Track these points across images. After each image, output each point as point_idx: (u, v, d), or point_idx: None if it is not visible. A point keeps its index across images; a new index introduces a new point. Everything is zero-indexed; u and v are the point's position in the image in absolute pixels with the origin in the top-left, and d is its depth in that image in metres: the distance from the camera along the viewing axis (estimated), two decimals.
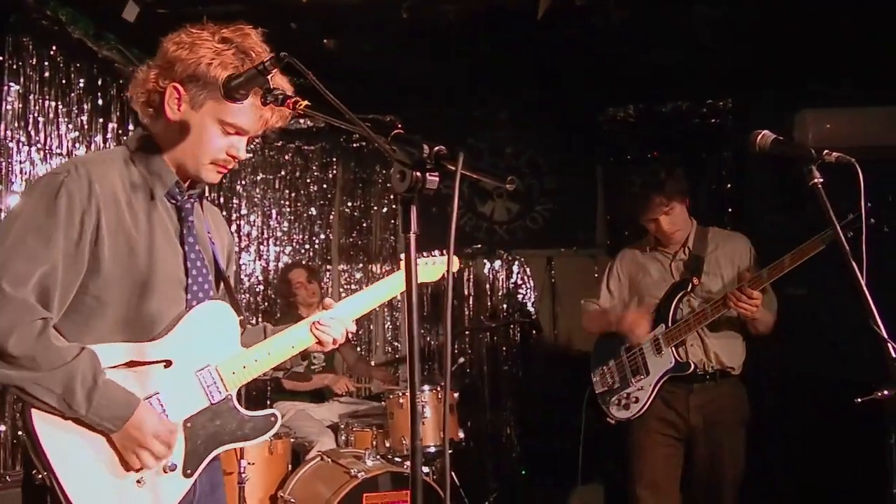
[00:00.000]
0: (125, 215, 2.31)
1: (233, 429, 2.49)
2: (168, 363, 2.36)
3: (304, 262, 7.12)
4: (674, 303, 4.32)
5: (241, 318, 2.61)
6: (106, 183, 2.29)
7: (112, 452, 2.26)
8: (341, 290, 7.67)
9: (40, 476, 2.17)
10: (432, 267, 3.25)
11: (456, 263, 3.35)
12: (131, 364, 2.30)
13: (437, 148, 1.70)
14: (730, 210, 6.87)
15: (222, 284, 2.64)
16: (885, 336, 2.23)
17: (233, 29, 2.40)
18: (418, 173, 1.68)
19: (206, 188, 2.60)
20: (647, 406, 4.35)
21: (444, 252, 3.25)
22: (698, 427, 4.29)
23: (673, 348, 4.28)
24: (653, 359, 4.36)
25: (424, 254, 3.23)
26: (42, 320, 2.17)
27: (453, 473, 5.65)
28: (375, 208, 7.75)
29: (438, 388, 5.24)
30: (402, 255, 3.02)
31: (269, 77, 2.11)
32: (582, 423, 5.11)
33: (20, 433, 2.38)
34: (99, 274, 2.26)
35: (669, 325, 4.30)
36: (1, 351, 2.11)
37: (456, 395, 5.51)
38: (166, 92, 2.35)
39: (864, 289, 2.26)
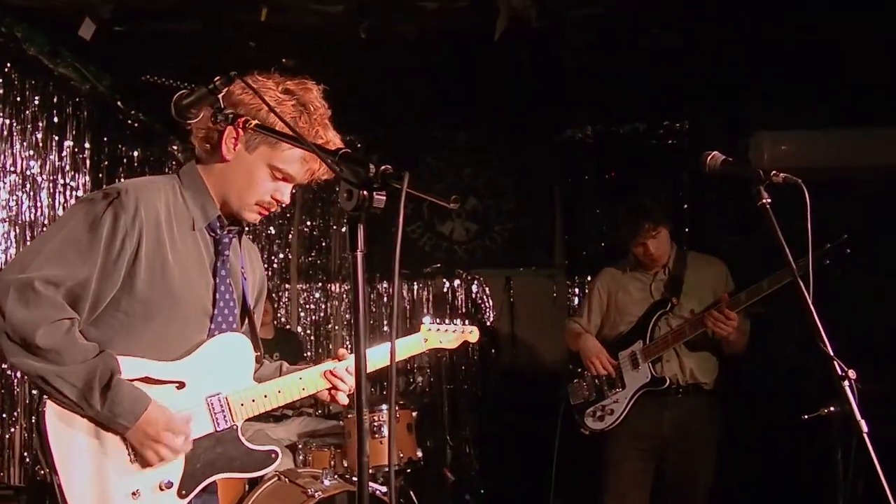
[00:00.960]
0: (165, 241, 2.41)
1: (233, 458, 2.55)
2: (181, 385, 2.45)
3: None
4: (652, 321, 4.49)
5: (258, 353, 2.69)
6: (151, 209, 2.39)
7: (119, 460, 2.34)
8: (300, 310, 7.64)
9: (42, 472, 2.33)
10: (452, 334, 3.33)
11: (475, 335, 3.42)
12: (146, 380, 2.39)
13: (383, 167, 1.73)
14: (687, 230, 6.92)
15: (247, 320, 2.72)
16: (831, 353, 2.26)
17: (297, 82, 2.55)
18: (365, 192, 1.69)
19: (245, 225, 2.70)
20: (622, 418, 4.48)
21: (467, 323, 3.38)
22: (670, 440, 4.43)
23: (649, 364, 4.43)
24: (629, 373, 4.51)
25: (447, 321, 3.32)
26: (69, 320, 2.29)
27: (412, 492, 5.64)
28: (335, 227, 7.73)
29: (396, 408, 5.23)
30: (425, 321, 3.23)
31: (219, 96, 2.14)
32: (557, 435, 5.12)
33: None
34: (131, 293, 2.36)
35: (647, 342, 4.46)
36: (28, 341, 2.22)
37: (414, 414, 5.50)
38: (225, 131, 2.46)
39: (811, 307, 2.30)
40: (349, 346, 2.90)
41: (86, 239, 2.30)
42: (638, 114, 7.22)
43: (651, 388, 4.43)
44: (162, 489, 2.39)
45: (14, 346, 2.24)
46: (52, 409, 2.28)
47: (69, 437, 2.29)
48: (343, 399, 2.82)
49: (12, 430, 4.85)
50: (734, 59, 5.76)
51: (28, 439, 4.90)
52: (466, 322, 3.43)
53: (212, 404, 2.52)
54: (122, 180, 2.53)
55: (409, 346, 3.16)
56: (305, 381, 2.76)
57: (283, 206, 2.63)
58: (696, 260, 4.64)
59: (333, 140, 2.52)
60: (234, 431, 2.56)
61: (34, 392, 4.99)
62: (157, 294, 2.39)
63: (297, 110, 2.46)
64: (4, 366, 4.81)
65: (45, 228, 5.13)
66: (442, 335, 3.29)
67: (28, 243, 5.01)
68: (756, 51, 5.58)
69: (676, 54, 5.69)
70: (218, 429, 2.52)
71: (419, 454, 5.35)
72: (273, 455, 2.63)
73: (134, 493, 2.35)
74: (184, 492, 2.43)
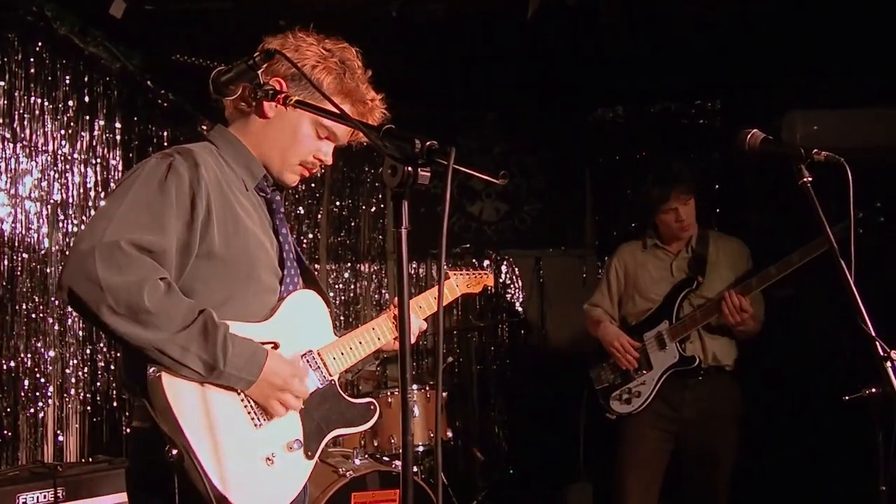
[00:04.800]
0: (231, 200, 2.32)
1: (341, 413, 2.55)
2: (275, 345, 2.36)
3: None
4: (678, 300, 4.39)
5: (330, 309, 2.64)
6: (210, 169, 2.29)
7: (245, 427, 2.25)
8: (329, 290, 7.65)
9: (175, 451, 2.08)
10: (474, 278, 3.42)
11: (491, 278, 3.52)
12: None
13: (428, 143, 1.69)
14: (718, 210, 6.86)
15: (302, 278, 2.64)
16: (873, 334, 2.23)
17: (334, 41, 2.50)
18: (409, 168, 1.67)
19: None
20: (649, 400, 4.41)
21: (480, 267, 3.45)
22: (691, 422, 4.36)
23: (677, 343, 4.35)
24: (656, 354, 4.43)
25: (465, 269, 3.40)
26: (164, 279, 2.11)
27: (442, 473, 5.65)
28: (364, 207, 7.71)
29: (427, 388, 5.24)
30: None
31: (258, 72, 2.12)
32: (582, 419, 5.13)
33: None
34: (209, 257, 2.25)
35: (673, 321, 4.39)
36: (135, 307, 2.02)
37: (444, 394, 5.51)
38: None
39: (853, 288, 2.26)
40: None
41: (156, 202, 2.14)
42: (669, 93, 7.15)
43: (680, 368, 4.36)
44: (292, 449, 2.35)
45: (120, 318, 2.02)
46: (168, 377, 2.11)
47: (193, 406, 2.14)
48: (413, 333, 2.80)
49: (45, 409, 4.89)
50: (766, 38, 5.68)
51: (57, 419, 4.94)
52: (482, 274, 3.50)
53: (308, 362, 2.48)
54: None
55: (445, 293, 3.19)
56: (378, 331, 2.76)
57: (326, 167, 2.56)
58: (717, 239, 4.55)
59: (377, 100, 2.46)
60: (335, 387, 2.55)
61: (67, 371, 5.04)
62: (235, 255, 2.28)
63: (340, 68, 2.42)
64: (39, 344, 4.84)
65: (75, 209, 5.15)
66: (467, 280, 3.37)
67: (60, 223, 5.03)
68: (788, 29, 5.50)
69: (709, 33, 5.62)
70: (320, 385, 2.49)
71: (449, 434, 5.37)
72: (372, 407, 2.64)
73: (268, 459, 2.28)
74: (309, 452, 2.41)
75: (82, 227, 4.77)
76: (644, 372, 4.46)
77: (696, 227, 4.52)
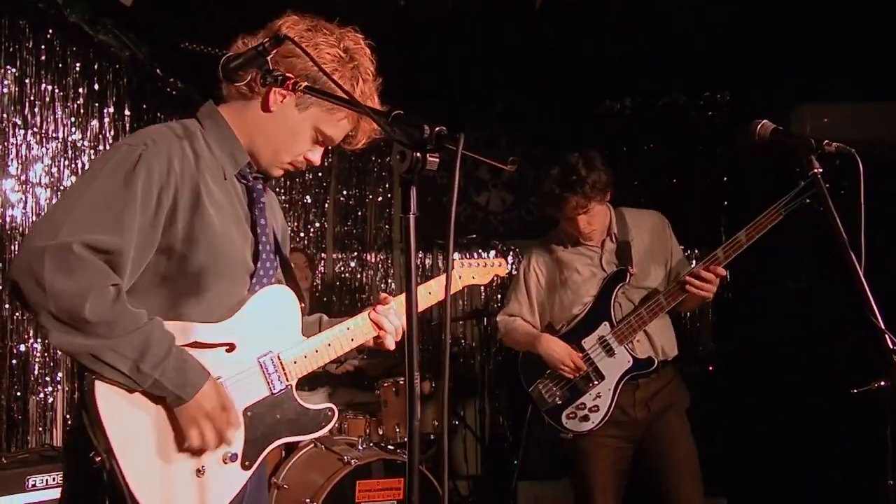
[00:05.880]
0: (201, 193, 2.22)
1: (292, 421, 2.41)
2: (231, 347, 2.29)
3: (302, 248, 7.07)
4: (612, 298, 4.03)
5: (303, 305, 2.53)
6: (186, 161, 2.21)
7: (180, 437, 2.16)
8: (335, 279, 7.66)
9: (98, 459, 2.05)
10: (483, 269, 3.20)
11: (504, 268, 3.28)
12: (194, 345, 2.21)
13: (437, 128, 1.69)
14: (725, 203, 6.85)
15: (280, 270, 2.55)
16: (883, 327, 2.23)
17: (352, 39, 2.44)
18: (418, 154, 1.66)
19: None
20: (610, 412, 4.01)
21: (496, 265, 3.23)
22: (644, 422, 4.06)
23: (626, 346, 3.99)
24: (605, 361, 4.03)
25: (476, 256, 3.17)
26: (115, 286, 2.05)
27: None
28: (370, 197, 7.72)
29: (429, 377, 5.26)
30: (455, 257, 3.09)
31: (268, 58, 2.11)
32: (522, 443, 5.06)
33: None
34: (171, 253, 2.18)
35: (615, 323, 4.02)
36: (76, 316, 1.98)
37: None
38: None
39: (863, 279, 2.27)
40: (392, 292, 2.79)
41: (120, 196, 2.06)
42: (678, 85, 7.13)
43: (637, 373, 3.99)
44: (226, 462, 2.25)
45: (58, 325, 1.98)
46: (101, 386, 2.06)
47: (124, 416, 2.08)
48: (390, 343, 2.63)
49: (55, 393, 4.91)
50: (776, 31, 5.67)
51: (69, 402, 4.97)
52: (497, 265, 3.25)
53: (264, 365, 2.35)
54: (142, 129, 2.27)
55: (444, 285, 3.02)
56: (353, 331, 2.59)
57: (333, 156, 2.55)
58: (635, 218, 4.17)
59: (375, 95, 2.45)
60: (290, 391, 2.40)
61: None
62: (199, 252, 2.19)
63: (354, 75, 2.36)
64: None
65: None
66: (474, 271, 3.15)
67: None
68: (798, 22, 5.49)
69: (717, 24, 5.61)
70: (274, 391, 2.36)
71: (454, 422, 5.38)
72: (329, 413, 2.50)
73: (199, 471, 2.19)
74: (247, 463, 2.29)
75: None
76: (595, 383, 4.03)
77: (612, 214, 4.16)
